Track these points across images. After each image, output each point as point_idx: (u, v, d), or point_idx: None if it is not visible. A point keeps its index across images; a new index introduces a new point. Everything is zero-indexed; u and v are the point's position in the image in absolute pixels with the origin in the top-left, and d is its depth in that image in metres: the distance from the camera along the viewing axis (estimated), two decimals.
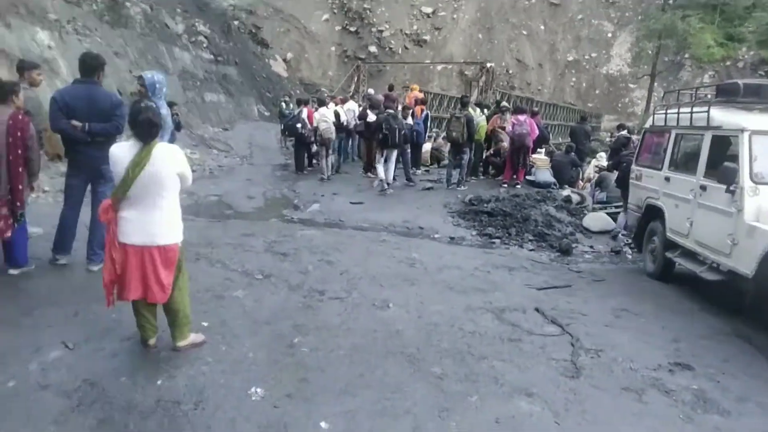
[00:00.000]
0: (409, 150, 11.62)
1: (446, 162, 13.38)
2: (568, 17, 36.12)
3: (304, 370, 3.63)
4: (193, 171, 4.03)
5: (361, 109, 13.49)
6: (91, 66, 5.02)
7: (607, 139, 21.23)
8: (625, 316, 5.30)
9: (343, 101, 14.43)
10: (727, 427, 3.44)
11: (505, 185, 11.31)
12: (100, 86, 5.10)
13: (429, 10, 34.32)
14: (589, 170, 13.38)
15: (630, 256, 8.05)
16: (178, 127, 11.48)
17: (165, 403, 3.14)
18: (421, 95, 16.27)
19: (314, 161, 12.94)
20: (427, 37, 33.96)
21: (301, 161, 12.86)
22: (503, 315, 4.98)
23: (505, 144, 11.50)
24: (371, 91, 18.50)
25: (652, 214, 7.01)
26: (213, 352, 3.75)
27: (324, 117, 11.73)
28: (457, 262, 6.73)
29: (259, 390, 3.33)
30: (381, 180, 10.79)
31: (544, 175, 11.67)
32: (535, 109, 15.49)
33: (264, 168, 13.73)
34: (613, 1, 36.91)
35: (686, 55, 33.80)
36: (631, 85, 34.42)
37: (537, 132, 11.48)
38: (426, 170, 13.98)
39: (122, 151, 3.43)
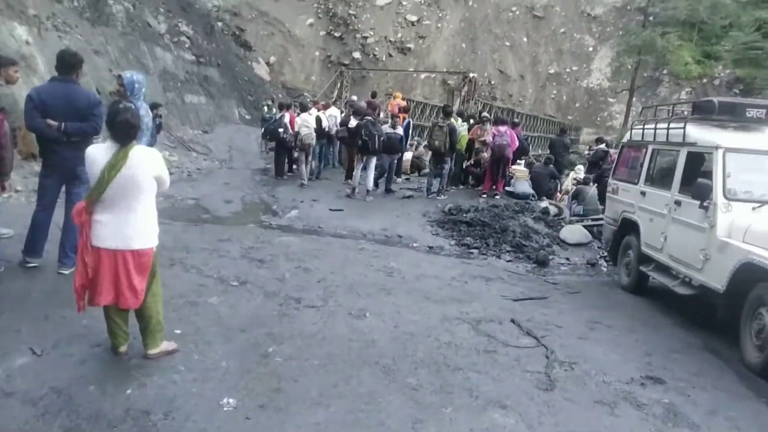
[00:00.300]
0: (395, 160, 11.69)
1: (427, 171, 13.43)
2: (550, 30, 36.61)
3: (277, 380, 3.59)
4: (171, 173, 3.98)
5: (343, 115, 13.48)
6: (69, 63, 4.93)
7: (586, 152, 21.52)
8: (599, 329, 5.36)
9: (326, 107, 14.39)
10: None
11: (485, 195, 11.39)
12: (78, 85, 5.01)
13: (414, 18, 34.52)
14: (567, 182, 13.54)
15: (605, 269, 8.15)
16: (158, 128, 11.36)
17: (134, 413, 3.07)
18: (403, 103, 16.31)
19: (294, 166, 12.89)
20: (411, 45, 34.15)
21: (282, 166, 12.79)
22: (479, 326, 5.00)
23: (485, 154, 11.59)
24: (354, 97, 18.53)
25: (628, 227, 7.11)
26: (185, 361, 3.69)
27: (306, 122, 11.70)
28: (434, 272, 6.74)
29: (231, 400, 3.29)
30: (354, 187, 10.88)
31: (523, 186, 11.78)
32: (516, 120, 15.62)
33: (243, 172, 13.62)
34: (595, 16, 37.52)
35: (664, 72, 34.52)
36: (611, 99, 34.97)
37: (517, 143, 11.59)
38: (406, 178, 14.02)
39: (98, 152, 3.37)
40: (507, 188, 11.87)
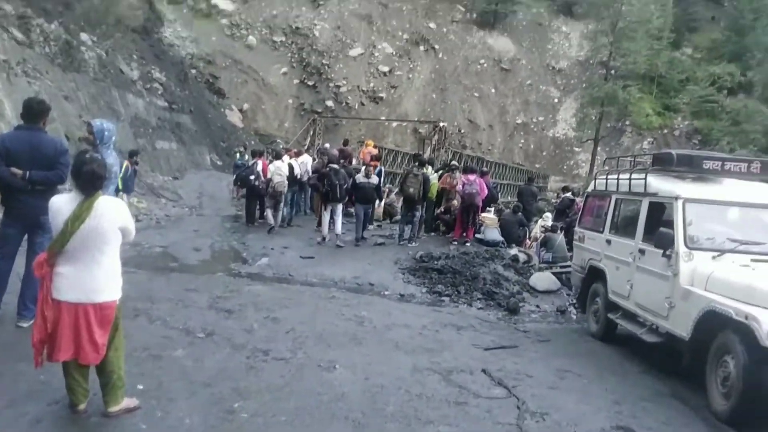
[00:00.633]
0: (370, 210, 11.81)
1: (398, 217, 13.52)
2: (517, 82, 37.92)
3: None
4: (139, 221, 3.94)
5: (315, 162, 13.57)
6: (35, 111, 4.90)
7: (553, 200, 22.02)
8: (569, 378, 5.36)
9: (298, 154, 14.50)
10: None
11: (455, 243, 11.48)
12: (44, 133, 4.96)
13: (386, 68, 35.41)
14: (536, 230, 13.76)
15: (575, 316, 8.22)
16: (134, 175, 11.26)
17: None
18: (375, 151, 16.54)
19: (266, 213, 12.84)
20: (383, 95, 34.90)
21: (253, 213, 12.73)
22: (450, 376, 4.95)
23: (456, 202, 11.75)
24: (327, 145, 18.70)
25: (595, 275, 7.22)
26: (147, 418, 3.56)
27: (279, 170, 11.78)
28: (406, 320, 6.71)
29: None
30: (324, 236, 10.96)
31: (493, 233, 11.92)
32: (485, 169, 15.96)
33: (213, 218, 13.50)
34: (559, 69, 39.10)
35: (627, 122, 35.98)
36: (576, 149, 36.07)
37: (486, 192, 11.79)
38: (378, 225, 14.07)
39: (62, 203, 3.33)
40: (477, 235, 12.00)
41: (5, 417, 3.40)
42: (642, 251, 6.09)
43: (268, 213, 11.96)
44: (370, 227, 13.03)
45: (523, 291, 9.05)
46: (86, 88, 15.03)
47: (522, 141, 36.63)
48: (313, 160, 14.28)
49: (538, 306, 8.53)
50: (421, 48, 37.15)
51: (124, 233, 3.44)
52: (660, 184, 6.14)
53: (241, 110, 31.42)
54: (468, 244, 11.47)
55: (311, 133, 26.44)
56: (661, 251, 5.56)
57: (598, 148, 32.30)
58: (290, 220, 13.02)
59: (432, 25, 38.21)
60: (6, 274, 4.88)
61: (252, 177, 12.08)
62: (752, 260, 5.24)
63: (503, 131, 36.53)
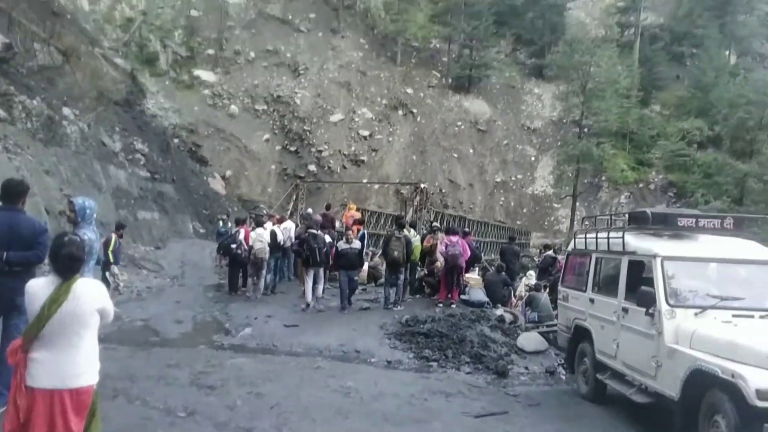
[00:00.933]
0: (355, 275, 11.76)
1: (383, 281, 13.45)
2: (494, 142, 38.90)
3: None
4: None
5: (298, 228, 13.59)
6: (14, 192, 4.90)
7: (536, 258, 22.19)
8: None
9: (280, 220, 14.52)
10: None
11: (441, 305, 11.42)
12: (23, 213, 4.95)
13: (366, 133, 36.19)
14: (521, 288, 13.77)
15: (564, 377, 8.12)
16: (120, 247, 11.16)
17: None
18: (358, 215, 16.65)
19: (249, 281, 12.72)
20: (365, 158, 35.49)
21: (235, 281, 12.60)
22: None
23: (439, 264, 11.76)
24: (309, 210, 18.79)
25: (581, 334, 7.20)
26: None
27: (260, 237, 11.80)
28: (393, 389, 6.57)
29: None
30: (308, 303, 10.92)
31: (478, 294, 11.89)
32: (467, 229, 16.08)
33: (196, 288, 13.32)
34: (534, 129, 40.30)
35: (603, 178, 36.86)
36: (556, 205, 36.68)
37: (469, 252, 11.84)
38: (363, 289, 13.96)
39: (39, 287, 3.27)
40: (462, 296, 11.96)
41: None
42: (625, 310, 6.11)
43: (249, 281, 11.92)
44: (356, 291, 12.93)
45: (511, 352, 8.95)
46: (67, 162, 15.08)
47: (502, 199, 37.21)
48: (296, 225, 14.31)
49: (526, 368, 8.42)
50: (400, 112, 38.17)
51: (102, 315, 3.38)
52: (638, 243, 6.24)
53: (224, 177, 31.66)
54: (453, 305, 11.40)
55: (294, 197, 26.58)
56: (644, 309, 5.59)
57: (577, 204, 32.89)
58: (274, 287, 12.89)
59: (409, 90, 39.44)
60: None
61: (234, 245, 12.04)
62: (733, 316, 5.30)
63: (483, 190, 37.13)
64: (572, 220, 31.41)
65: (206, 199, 25.77)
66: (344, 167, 34.75)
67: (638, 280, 6.02)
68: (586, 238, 7.48)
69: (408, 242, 11.35)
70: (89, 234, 5.13)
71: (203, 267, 16.40)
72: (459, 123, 38.79)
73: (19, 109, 14.10)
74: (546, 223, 36.34)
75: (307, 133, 34.93)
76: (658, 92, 41.81)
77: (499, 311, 10.98)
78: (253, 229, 12.49)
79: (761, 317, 5.35)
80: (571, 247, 8.36)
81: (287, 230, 13.50)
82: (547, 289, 11.46)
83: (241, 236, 12.21)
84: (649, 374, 5.56)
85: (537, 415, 6.13)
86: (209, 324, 9.89)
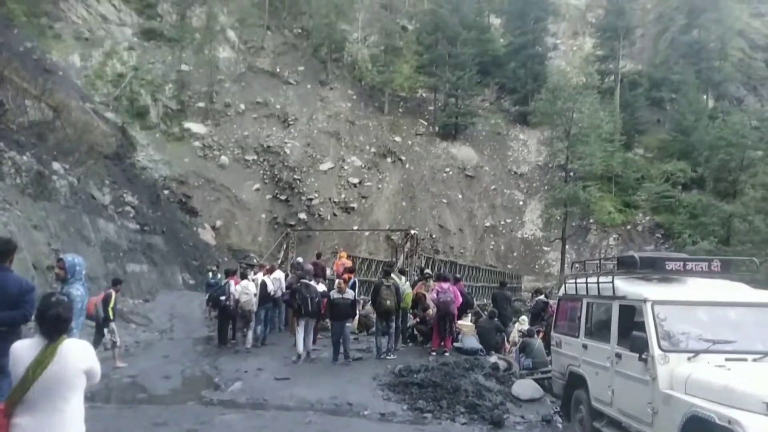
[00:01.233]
0: (349, 324, 11.57)
1: (374, 329, 13.31)
2: (482, 187, 39.33)
3: None
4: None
5: (289, 278, 13.51)
6: (1, 251, 4.89)
7: (528, 302, 22.10)
8: None
9: (270, 270, 14.42)
10: None
11: (434, 353, 11.29)
12: (9, 272, 4.93)
13: (355, 180, 36.51)
14: (514, 333, 13.66)
15: (561, 425, 7.97)
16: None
17: None
18: (349, 263, 16.59)
19: (239, 333, 12.55)
20: (355, 205, 35.68)
21: (225, 334, 12.43)
22: None
23: (431, 311, 11.69)
24: (300, 259, 18.72)
25: (576, 381, 7.13)
26: None
27: (246, 289, 11.74)
28: None
29: None
30: (299, 354, 10.79)
31: (471, 341, 11.78)
32: (458, 276, 16.08)
33: (185, 342, 13.09)
34: (521, 174, 40.87)
35: (591, 220, 37.18)
36: (546, 248, 36.82)
37: (461, 299, 11.80)
38: (355, 338, 13.78)
39: (24, 349, 3.21)
40: (455, 344, 11.84)
41: None
42: (618, 355, 6.08)
43: (237, 334, 11.79)
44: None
45: (506, 401, 8.80)
46: (56, 216, 15.02)
47: (492, 243, 37.33)
48: (286, 275, 14.23)
49: (522, 417, 8.26)
50: (389, 160, 38.67)
51: (89, 376, 3.32)
52: (627, 287, 6.26)
53: (214, 227, 31.62)
54: (447, 353, 11.27)
55: (285, 246, 26.51)
56: (637, 355, 5.57)
57: (567, 246, 33.03)
58: (264, 339, 12.70)
59: (397, 138, 40.09)
60: None
61: (222, 297, 11.94)
62: (726, 359, 5.28)
63: (473, 235, 37.28)
64: (562, 263, 31.49)
65: (196, 250, 25.65)
66: (334, 215, 34.89)
67: (630, 325, 6.02)
68: (576, 282, 7.51)
69: (398, 289, 11.29)
70: (80, 290, 5.12)
71: (192, 319, 16.17)
72: (447, 169, 39.30)
73: (9, 165, 14.13)
74: (537, 267, 36.38)
75: (297, 181, 35.19)
76: (641, 136, 42.77)
77: (493, 358, 10.85)
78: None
79: (754, 360, 5.34)
80: (561, 292, 8.36)
81: (277, 280, 13.41)
82: (541, 334, 11.39)
83: (231, 288, 12.12)
84: (646, 421, 5.49)
85: None
86: (198, 379, 9.69)
